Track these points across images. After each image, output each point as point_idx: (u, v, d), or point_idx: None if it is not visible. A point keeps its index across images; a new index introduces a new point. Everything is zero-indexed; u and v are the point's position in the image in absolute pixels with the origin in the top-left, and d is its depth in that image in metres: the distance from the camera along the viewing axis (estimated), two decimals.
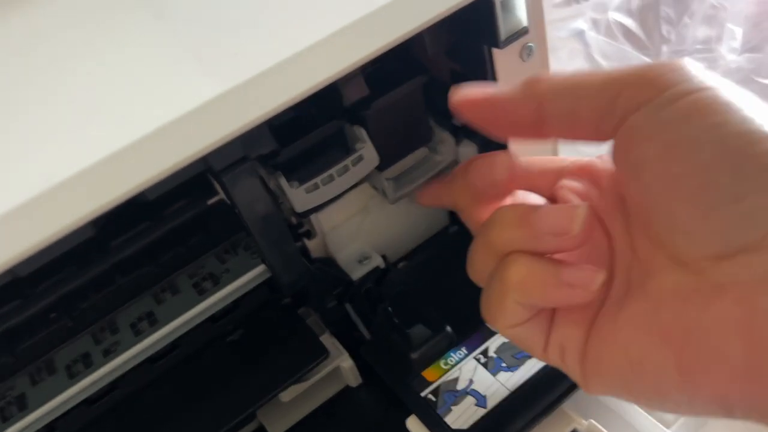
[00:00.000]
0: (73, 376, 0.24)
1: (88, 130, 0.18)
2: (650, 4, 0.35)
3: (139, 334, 0.25)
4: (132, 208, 0.20)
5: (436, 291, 0.28)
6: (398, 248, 0.31)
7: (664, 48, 0.35)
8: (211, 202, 0.30)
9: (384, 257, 0.30)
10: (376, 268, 0.29)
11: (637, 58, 0.33)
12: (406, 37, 0.20)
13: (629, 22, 0.35)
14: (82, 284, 0.27)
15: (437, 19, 0.20)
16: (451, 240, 0.31)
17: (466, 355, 0.25)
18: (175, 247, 0.28)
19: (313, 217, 0.28)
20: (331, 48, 0.19)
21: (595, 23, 0.36)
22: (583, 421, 0.22)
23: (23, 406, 0.24)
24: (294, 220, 0.28)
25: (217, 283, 0.26)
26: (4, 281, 0.20)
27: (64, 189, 0.17)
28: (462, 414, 0.23)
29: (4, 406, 0.24)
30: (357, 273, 0.29)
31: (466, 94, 0.19)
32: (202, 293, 0.26)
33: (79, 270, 0.27)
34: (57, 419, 0.24)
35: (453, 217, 0.32)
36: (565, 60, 0.36)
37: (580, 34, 0.35)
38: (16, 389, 0.25)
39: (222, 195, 0.29)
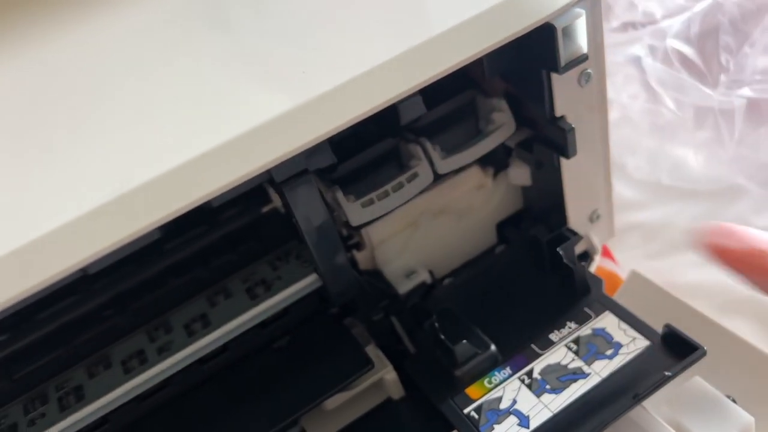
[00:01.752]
0: (128, 372, 0.25)
1: (161, 138, 0.19)
2: (710, 32, 0.35)
3: (192, 335, 0.26)
4: (189, 213, 0.20)
5: (481, 309, 0.28)
6: (445, 264, 0.31)
7: (722, 77, 0.34)
8: (265, 210, 0.31)
9: (431, 272, 0.30)
10: (423, 283, 0.30)
11: (694, 87, 0.33)
12: (468, 62, 0.21)
13: (687, 50, 0.35)
14: (139, 283, 0.28)
15: (499, 45, 0.21)
16: (498, 259, 0.31)
17: (511, 375, 0.25)
18: (229, 252, 0.29)
19: (363, 230, 0.29)
20: (395, 70, 0.20)
21: (652, 50, 0.36)
22: None
23: (80, 398, 0.25)
24: (345, 231, 0.29)
25: (269, 290, 0.27)
26: (74, 278, 0.21)
27: (140, 193, 0.17)
28: None
29: (63, 396, 0.26)
30: (403, 287, 0.29)
31: (725, 241, 0.18)
32: (254, 298, 0.27)
33: (137, 269, 0.28)
34: (111, 412, 0.25)
35: (501, 236, 0.32)
36: (620, 86, 0.36)
37: (636, 60, 0.35)
38: (73, 381, 0.26)
39: (275, 204, 0.30)
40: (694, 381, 0.24)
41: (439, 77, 0.21)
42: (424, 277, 0.30)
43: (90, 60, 0.24)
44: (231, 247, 0.29)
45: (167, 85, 0.22)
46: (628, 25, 0.39)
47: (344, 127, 0.19)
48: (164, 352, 0.26)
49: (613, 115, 0.37)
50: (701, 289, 0.31)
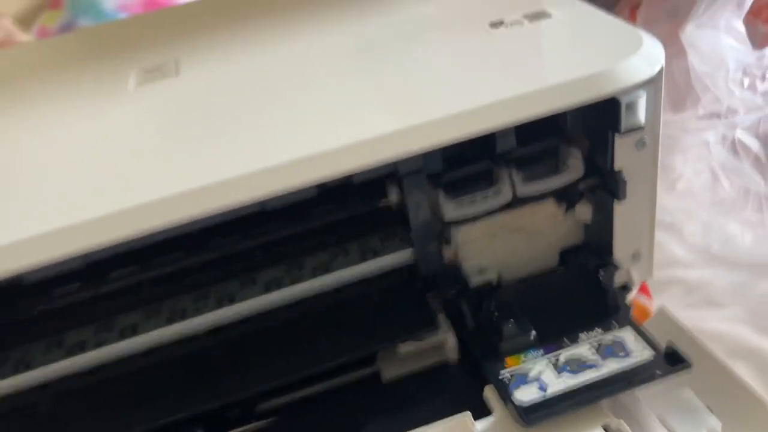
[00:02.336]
0: (269, 290, 0.35)
1: (342, 126, 0.29)
2: None
3: (316, 276, 0.36)
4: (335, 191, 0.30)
5: (532, 307, 0.36)
6: (511, 272, 0.39)
7: None
8: (381, 204, 0.41)
9: (499, 276, 0.39)
10: (490, 282, 0.38)
11: (748, 174, 0.40)
12: (553, 113, 0.29)
13: (753, 143, 0.42)
14: (290, 235, 0.39)
15: (580, 106, 0.29)
16: (556, 277, 0.39)
17: (542, 356, 0.33)
18: (352, 226, 0.39)
19: (453, 229, 0.37)
20: (490, 111, 0.29)
21: (724, 138, 0.43)
22: (615, 419, 0.29)
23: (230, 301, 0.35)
24: (440, 227, 0.38)
25: (376, 255, 0.36)
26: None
27: (318, 158, 0.27)
28: (526, 393, 0.31)
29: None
30: (474, 281, 0.38)
31: None
32: (364, 260, 0.36)
33: (290, 226, 0.39)
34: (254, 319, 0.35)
35: (561, 260, 0.40)
36: (691, 161, 0.43)
37: (707, 144, 0.42)
38: (228, 289, 0.36)
39: (390, 201, 0.40)
40: (684, 390, 0.31)
41: (529, 121, 0.29)
42: (492, 277, 0.38)
43: (275, 73, 0.35)
44: (354, 223, 0.39)
45: (326, 93, 0.32)
46: (713, 115, 0.46)
47: (448, 144, 0.28)
48: (295, 283, 0.36)
49: (680, 185, 0.43)
50: (717, 335, 0.37)
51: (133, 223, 0.27)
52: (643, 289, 0.39)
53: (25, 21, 1.07)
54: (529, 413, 0.30)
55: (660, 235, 0.45)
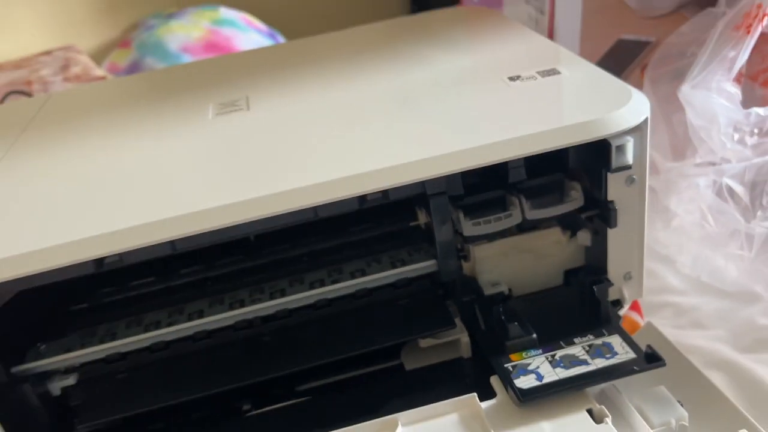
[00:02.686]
0: (315, 288, 0.42)
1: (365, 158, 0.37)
2: (760, 180, 0.48)
3: (353, 278, 0.43)
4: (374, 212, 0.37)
5: (535, 315, 0.42)
6: (521, 287, 0.45)
7: (759, 213, 0.46)
8: (411, 224, 0.48)
9: (509, 289, 0.45)
10: (501, 293, 0.44)
11: (731, 215, 0.46)
12: (550, 151, 0.36)
13: (739, 188, 0.48)
14: (330, 247, 0.46)
15: (577, 144, 0.36)
16: (558, 293, 0.45)
17: (540, 354, 0.39)
18: (386, 241, 0.46)
19: (471, 247, 0.44)
20: (504, 146, 0.36)
21: (714, 183, 0.49)
22: (598, 405, 0.35)
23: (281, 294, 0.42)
24: (459, 245, 0.44)
25: (404, 264, 0.43)
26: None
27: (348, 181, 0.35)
28: (524, 381, 0.37)
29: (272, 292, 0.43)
30: (488, 291, 0.44)
31: None
32: (394, 267, 0.43)
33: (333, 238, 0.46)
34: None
35: (566, 280, 0.46)
36: (684, 202, 0.49)
37: (697, 187, 0.48)
38: (276, 286, 0.43)
39: (419, 221, 0.47)
40: (659, 388, 0.37)
41: (535, 155, 0.36)
42: (503, 289, 0.44)
43: (330, 110, 0.43)
44: (388, 238, 0.46)
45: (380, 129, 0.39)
46: (709, 164, 0.52)
47: (474, 168, 0.35)
48: (336, 282, 0.43)
49: (674, 223, 0.49)
50: (697, 349, 0.42)
51: (208, 221, 0.35)
52: (636, 308, 0.45)
53: (96, 58, 1.18)
54: (526, 395, 0.36)
55: (655, 266, 0.51)
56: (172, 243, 0.36)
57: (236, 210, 0.35)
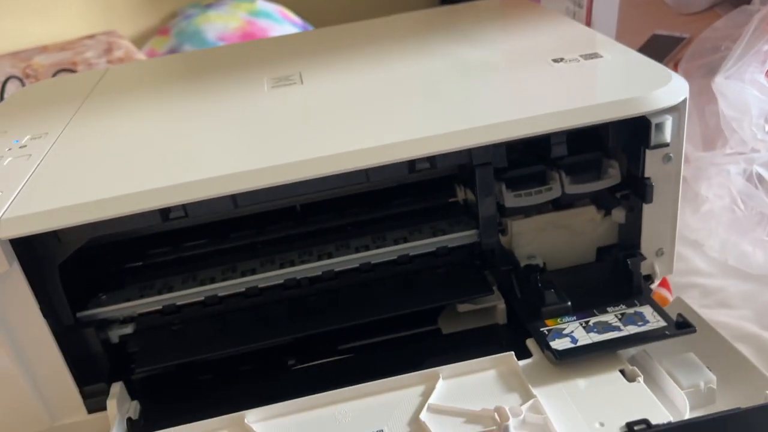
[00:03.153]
0: (359, 252, 0.45)
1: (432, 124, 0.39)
2: None
3: (396, 244, 0.45)
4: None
5: (572, 286, 0.44)
6: (555, 262, 0.47)
7: None
8: (450, 200, 0.50)
9: (544, 263, 0.47)
10: (537, 266, 0.46)
11: (761, 199, 0.47)
12: (593, 124, 0.38)
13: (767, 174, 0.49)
14: (373, 218, 0.48)
15: (618, 119, 0.38)
16: (592, 268, 0.47)
17: (574, 320, 0.41)
18: (430, 214, 0.48)
19: (509, 221, 0.46)
20: (551, 118, 0.38)
21: (744, 170, 0.51)
22: (630, 366, 0.37)
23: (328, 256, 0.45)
24: (499, 220, 0.46)
25: (445, 233, 0.45)
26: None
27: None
28: (560, 344, 0.39)
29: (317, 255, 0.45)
30: (523, 263, 0.46)
31: None
32: (435, 235, 0.45)
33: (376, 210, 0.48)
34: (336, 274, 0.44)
35: (598, 257, 0.48)
36: (714, 187, 0.51)
37: (728, 173, 0.50)
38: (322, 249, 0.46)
39: (458, 198, 0.49)
40: (688, 354, 0.39)
41: (579, 128, 0.38)
42: (538, 262, 0.46)
43: (382, 85, 0.45)
44: (431, 211, 0.49)
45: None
46: (738, 154, 0.54)
47: (520, 138, 0.38)
48: (380, 247, 0.45)
49: (704, 208, 0.51)
50: (724, 325, 0.44)
51: (268, 177, 0.37)
52: (666, 285, 0.47)
53: (135, 44, 1.22)
54: (561, 355, 0.38)
55: (684, 250, 0.53)
56: (233, 198, 0.38)
57: (294, 169, 0.37)
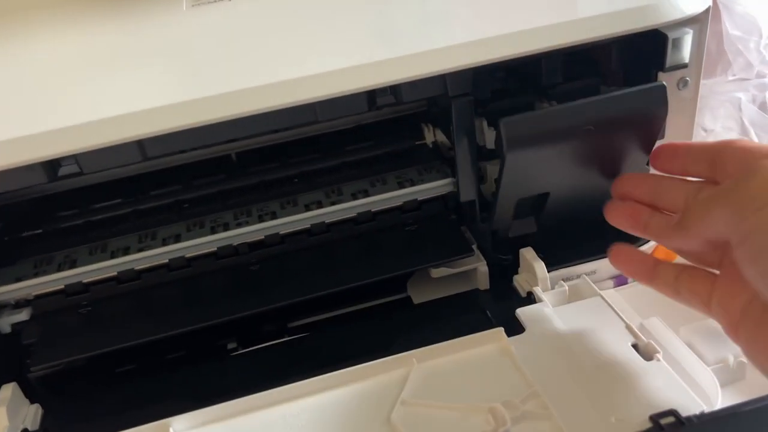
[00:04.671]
0: (310, 210, 0.37)
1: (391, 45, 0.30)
2: None
3: (354, 199, 0.37)
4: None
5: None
6: None
7: None
8: (417, 143, 0.42)
9: None
10: None
11: None
12: (591, 41, 0.30)
13: None
14: (325, 167, 0.40)
15: (627, 33, 0.30)
16: None
17: None
18: (393, 159, 0.40)
19: (489, 167, 0.38)
20: (538, 34, 0.30)
21: (754, 97, 0.44)
22: (645, 339, 0.30)
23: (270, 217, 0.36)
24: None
25: (414, 184, 0.37)
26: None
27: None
28: None
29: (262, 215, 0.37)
30: None
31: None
32: (402, 187, 0.37)
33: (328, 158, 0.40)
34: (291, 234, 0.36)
35: None
36: (721, 118, 0.44)
37: (737, 102, 0.43)
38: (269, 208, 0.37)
39: (426, 140, 0.41)
40: (709, 320, 0.32)
41: (573, 48, 0.30)
42: None
43: None
44: (395, 156, 0.40)
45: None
46: (744, 80, 0.47)
47: (489, 61, 0.29)
48: (335, 204, 0.37)
49: (708, 140, 0.44)
50: None
51: (185, 115, 0.28)
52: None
53: None
54: None
55: None
56: (140, 145, 0.29)
57: (219, 103, 0.28)
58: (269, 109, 0.28)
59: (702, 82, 0.49)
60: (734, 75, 0.47)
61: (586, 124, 0.30)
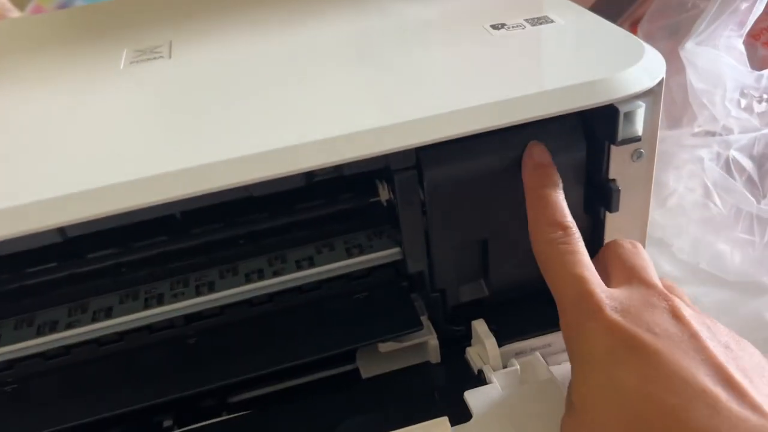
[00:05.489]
0: (249, 281, 0.35)
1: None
2: None
3: (300, 269, 0.35)
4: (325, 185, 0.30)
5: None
6: None
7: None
8: (371, 200, 0.40)
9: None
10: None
11: (740, 193, 0.39)
12: (537, 119, 0.29)
13: (747, 163, 0.41)
14: (275, 227, 0.38)
15: (579, 109, 0.29)
16: None
17: None
18: (340, 221, 0.38)
19: None
20: (486, 111, 0.28)
21: (718, 156, 0.43)
22: None
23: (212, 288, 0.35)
24: None
25: (362, 252, 0.36)
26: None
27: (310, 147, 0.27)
28: None
29: (199, 285, 0.35)
30: None
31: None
32: (350, 256, 0.36)
33: (276, 216, 0.38)
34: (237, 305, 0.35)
35: None
36: (684, 177, 0.43)
37: (700, 161, 0.42)
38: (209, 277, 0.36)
39: (380, 197, 0.40)
40: None
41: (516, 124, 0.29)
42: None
43: (272, 62, 0.34)
44: (342, 219, 0.39)
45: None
46: (708, 134, 0.46)
47: (443, 139, 0.28)
48: (277, 275, 0.35)
49: (671, 201, 0.43)
50: None
51: (114, 200, 0.26)
52: None
53: (19, 0, 1.05)
54: None
55: (649, 250, 0.45)
56: (61, 230, 0.27)
57: (141, 189, 0.26)
58: (196, 194, 0.27)
59: (668, 133, 0.48)
60: (699, 126, 0.46)
61: (504, 157, 0.31)
